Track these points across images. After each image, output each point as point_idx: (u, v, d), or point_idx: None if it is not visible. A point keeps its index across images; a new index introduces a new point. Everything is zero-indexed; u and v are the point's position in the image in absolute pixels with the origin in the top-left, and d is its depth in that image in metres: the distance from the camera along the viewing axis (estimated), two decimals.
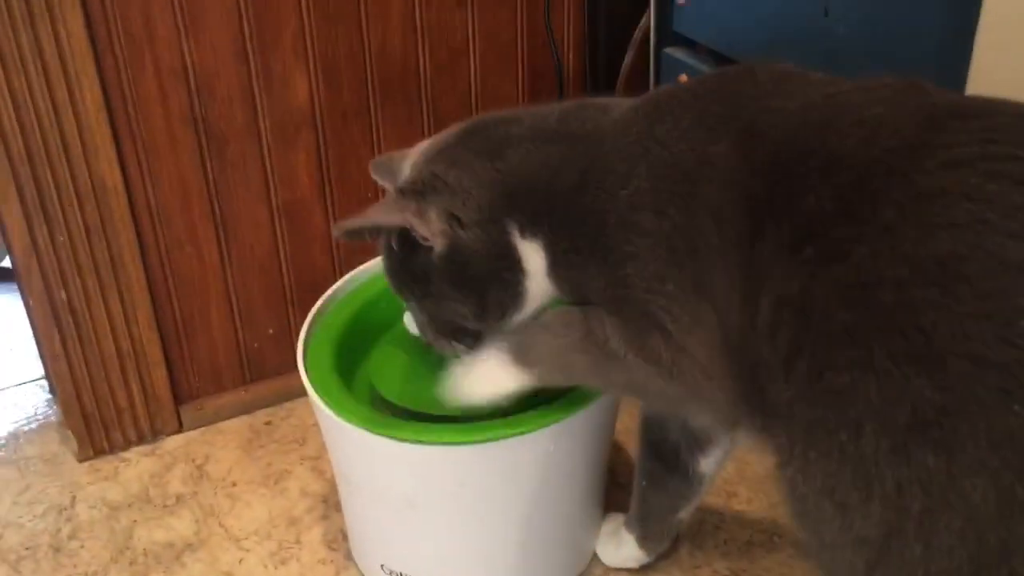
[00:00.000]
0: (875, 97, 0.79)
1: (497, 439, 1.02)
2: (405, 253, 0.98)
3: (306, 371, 1.12)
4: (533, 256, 0.95)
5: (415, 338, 1.10)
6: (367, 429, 1.03)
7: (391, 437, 1.02)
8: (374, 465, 1.09)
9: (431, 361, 1.11)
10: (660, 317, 0.87)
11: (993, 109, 0.74)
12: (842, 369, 0.71)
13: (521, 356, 0.99)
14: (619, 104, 0.95)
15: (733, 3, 1.29)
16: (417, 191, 0.96)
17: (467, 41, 1.46)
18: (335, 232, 0.97)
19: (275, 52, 1.34)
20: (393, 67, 1.42)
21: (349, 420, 1.04)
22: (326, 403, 1.07)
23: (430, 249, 0.96)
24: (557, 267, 0.95)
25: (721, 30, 1.34)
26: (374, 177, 1.07)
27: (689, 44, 1.43)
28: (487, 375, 1.01)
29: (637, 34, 1.51)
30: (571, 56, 1.56)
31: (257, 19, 1.31)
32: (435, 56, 1.45)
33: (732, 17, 1.31)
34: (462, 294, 0.97)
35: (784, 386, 0.76)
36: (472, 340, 1.02)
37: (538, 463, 1.08)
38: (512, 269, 0.95)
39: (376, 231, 0.99)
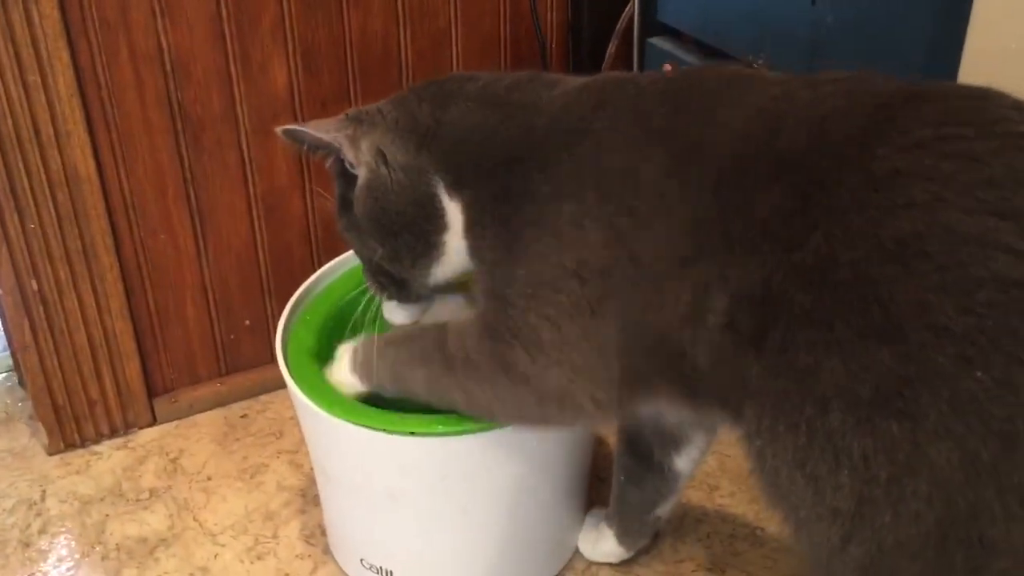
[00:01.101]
0: (822, 93, 0.79)
1: (481, 431, 1.00)
2: (340, 177, 1.00)
3: (284, 360, 1.10)
4: (457, 215, 0.95)
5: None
6: (348, 419, 1.01)
7: (372, 428, 1.00)
8: (354, 457, 1.07)
9: None
10: (536, 327, 0.87)
11: (944, 93, 0.76)
12: (805, 349, 0.72)
13: (359, 364, 1.03)
14: (566, 82, 0.95)
15: None
16: (359, 119, 0.97)
17: (449, 27, 1.44)
18: (278, 130, 0.98)
19: (253, 36, 1.31)
20: (374, 53, 1.40)
21: (329, 410, 1.02)
22: (304, 392, 1.04)
23: (356, 178, 0.97)
24: (469, 232, 0.95)
25: (706, 19, 1.33)
26: None
27: (673, 33, 1.42)
28: (340, 373, 1.05)
29: (620, 23, 1.49)
30: (554, 45, 1.55)
31: (235, 2, 1.28)
32: (417, 42, 1.42)
33: (717, 6, 1.30)
34: (376, 231, 0.97)
35: (754, 360, 0.77)
36: (397, 290, 1.02)
37: (522, 455, 1.06)
38: (430, 220, 0.95)
39: (315, 145, 0.98)
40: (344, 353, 1.06)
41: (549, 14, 1.52)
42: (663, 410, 0.94)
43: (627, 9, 1.48)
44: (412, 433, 1.00)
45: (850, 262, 0.70)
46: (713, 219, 0.79)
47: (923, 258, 0.67)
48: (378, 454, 1.04)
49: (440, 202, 0.95)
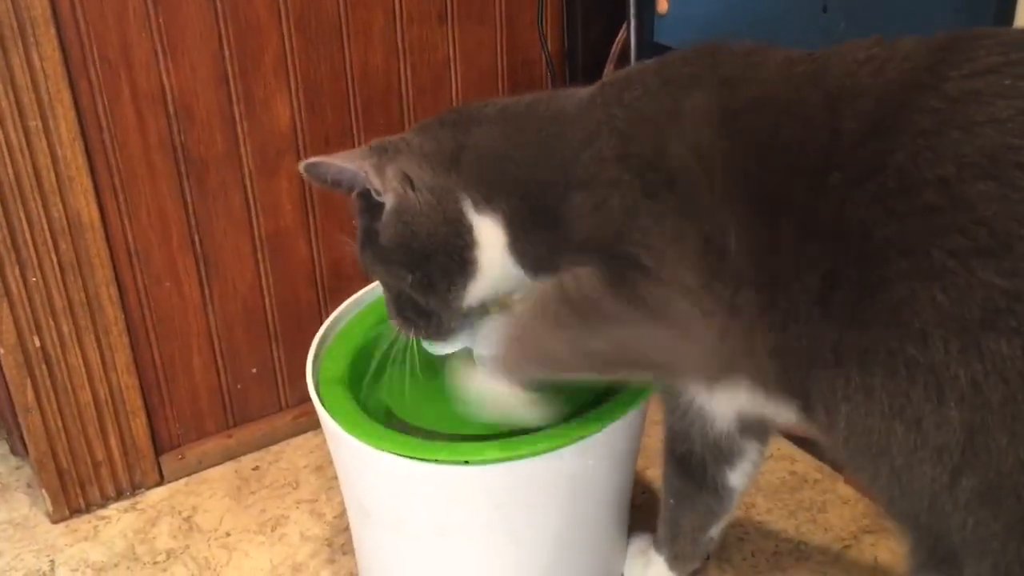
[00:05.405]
0: (862, 45, 0.80)
1: (534, 455, 0.97)
2: (364, 212, 0.99)
3: (320, 399, 1.05)
4: (488, 231, 0.94)
5: (428, 357, 1.06)
6: (396, 452, 0.97)
7: (423, 459, 0.96)
8: (403, 493, 1.02)
9: (445, 381, 1.06)
10: (636, 254, 0.85)
11: (992, 33, 0.76)
12: (896, 282, 0.71)
13: (499, 366, 0.98)
14: (586, 88, 0.96)
15: (720, 1, 1.28)
16: (383, 148, 0.98)
17: (449, 59, 1.43)
18: (300, 166, 0.98)
19: (256, 74, 1.28)
20: (375, 88, 1.38)
21: (376, 445, 0.98)
22: (345, 428, 1.00)
23: (382, 207, 0.96)
24: (518, 244, 0.94)
25: (709, 35, 1.33)
26: None
27: None
28: (493, 395, 0.99)
29: (615, 47, 1.50)
30: (554, 72, 1.54)
31: (238, 40, 1.25)
32: (417, 75, 1.41)
33: (721, 20, 1.30)
34: (406, 257, 0.96)
35: (823, 324, 0.75)
36: (426, 324, 1.00)
37: (574, 478, 1.03)
38: (461, 236, 0.95)
39: (338, 178, 0.98)
40: (478, 376, 1.00)
41: (546, 43, 1.52)
42: (742, 397, 0.91)
43: (620, 34, 1.48)
44: (466, 462, 0.97)
45: (937, 180, 0.69)
46: (768, 153, 0.78)
47: (1018, 170, 0.67)
48: (430, 487, 1.00)
49: (468, 219, 0.95)
